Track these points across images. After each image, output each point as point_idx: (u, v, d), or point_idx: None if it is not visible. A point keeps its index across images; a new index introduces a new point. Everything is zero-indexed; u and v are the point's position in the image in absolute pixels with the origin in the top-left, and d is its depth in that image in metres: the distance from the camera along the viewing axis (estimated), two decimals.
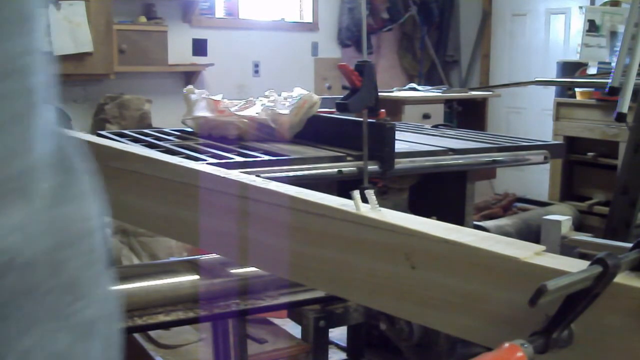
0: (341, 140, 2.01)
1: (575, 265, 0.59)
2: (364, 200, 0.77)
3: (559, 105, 3.96)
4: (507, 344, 0.52)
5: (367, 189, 0.80)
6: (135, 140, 2.01)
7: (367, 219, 0.74)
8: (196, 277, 1.28)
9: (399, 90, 4.63)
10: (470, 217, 2.18)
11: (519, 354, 0.52)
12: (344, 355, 2.71)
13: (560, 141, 3.50)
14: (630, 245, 0.61)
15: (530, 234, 2.38)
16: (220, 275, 1.30)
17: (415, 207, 2.07)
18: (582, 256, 1.45)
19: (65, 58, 3.54)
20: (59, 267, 0.46)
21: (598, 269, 0.54)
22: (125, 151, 1.20)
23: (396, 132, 1.91)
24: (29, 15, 0.49)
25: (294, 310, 1.99)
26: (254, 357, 2.04)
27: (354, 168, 1.86)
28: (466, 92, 4.80)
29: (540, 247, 0.64)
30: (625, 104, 2.05)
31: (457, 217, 2.11)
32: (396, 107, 4.13)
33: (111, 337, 0.51)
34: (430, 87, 4.77)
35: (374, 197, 0.76)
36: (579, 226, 2.73)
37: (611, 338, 0.57)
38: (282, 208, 0.83)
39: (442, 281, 0.67)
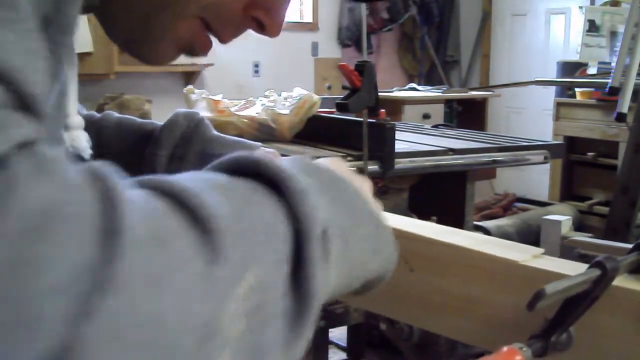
0: (341, 140, 2.01)
1: (573, 268, 0.59)
2: None
3: (559, 105, 3.96)
4: (505, 348, 0.52)
5: None
6: None
7: None
8: None
9: (399, 90, 4.63)
10: (470, 217, 2.18)
11: (518, 357, 0.52)
12: (344, 355, 2.71)
13: (560, 141, 3.49)
14: (630, 246, 0.61)
15: (531, 234, 2.37)
16: None
17: (415, 207, 2.07)
18: (582, 257, 1.45)
19: None
20: None
21: (596, 272, 0.54)
22: None
23: (396, 132, 1.91)
24: None
25: None
26: None
27: (354, 168, 1.85)
28: (466, 92, 4.79)
29: (538, 250, 0.64)
30: (625, 104, 2.05)
31: (457, 217, 2.11)
32: (396, 107, 4.12)
33: None
34: (430, 87, 4.76)
35: None
36: (579, 226, 2.73)
37: (610, 341, 0.57)
38: None
39: (441, 284, 0.67)
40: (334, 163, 0.53)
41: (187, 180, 0.39)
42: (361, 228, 0.49)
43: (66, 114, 0.56)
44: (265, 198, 0.42)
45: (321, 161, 0.52)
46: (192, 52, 0.66)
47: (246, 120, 2.12)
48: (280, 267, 0.40)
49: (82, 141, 0.62)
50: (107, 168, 0.35)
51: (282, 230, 0.41)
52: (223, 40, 0.66)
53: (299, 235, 0.41)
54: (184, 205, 0.36)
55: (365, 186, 0.54)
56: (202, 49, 0.65)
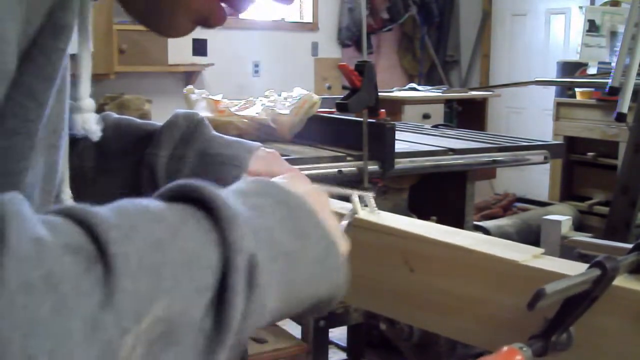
0: (341, 140, 2.02)
1: (573, 268, 0.59)
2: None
3: (559, 105, 3.96)
4: (505, 348, 0.52)
5: (367, 189, 0.80)
6: None
7: (365, 222, 0.74)
8: None
9: (399, 90, 4.63)
10: (470, 217, 2.18)
11: (518, 357, 0.52)
12: (344, 355, 2.71)
13: (560, 141, 3.49)
14: (630, 245, 0.61)
15: (531, 234, 2.37)
16: None
17: (415, 207, 2.07)
18: (582, 257, 1.45)
19: None
20: None
21: (596, 272, 0.54)
22: None
23: (396, 132, 1.91)
24: None
25: None
26: (254, 357, 2.04)
27: (354, 168, 1.86)
28: (466, 92, 4.79)
29: (538, 250, 0.64)
30: (625, 104, 2.05)
31: (457, 217, 2.11)
32: (396, 107, 4.12)
33: None
34: (430, 87, 4.76)
35: (373, 200, 0.76)
36: (579, 226, 2.73)
37: (610, 341, 0.57)
38: None
39: (441, 284, 0.67)
40: (294, 180, 0.55)
41: (115, 210, 0.40)
42: (309, 250, 0.50)
43: (76, 97, 0.58)
44: (197, 226, 0.43)
45: (281, 179, 0.54)
46: (207, 23, 0.65)
47: (246, 120, 2.12)
48: (200, 295, 0.41)
49: (92, 124, 0.62)
50: (13, 204, 0.36)
51: (208, 259, 0.42)
52: (238, 9, 0.66)
53: (226, 263, 0.42)
54: (94, 240, 0.37)
55: (322, 203, 0.55)
56: (217, 20, 0.65)
